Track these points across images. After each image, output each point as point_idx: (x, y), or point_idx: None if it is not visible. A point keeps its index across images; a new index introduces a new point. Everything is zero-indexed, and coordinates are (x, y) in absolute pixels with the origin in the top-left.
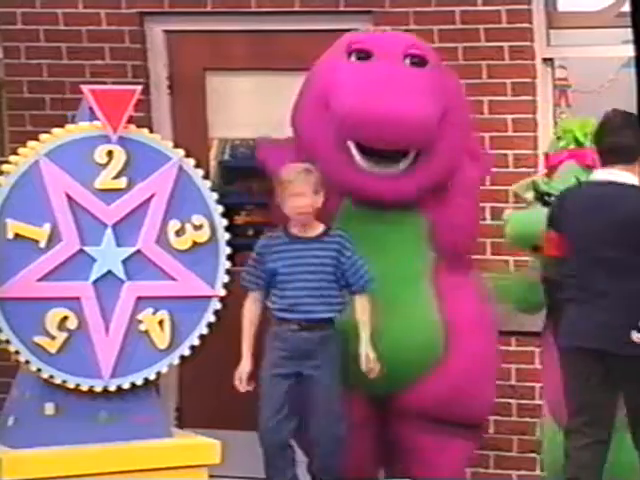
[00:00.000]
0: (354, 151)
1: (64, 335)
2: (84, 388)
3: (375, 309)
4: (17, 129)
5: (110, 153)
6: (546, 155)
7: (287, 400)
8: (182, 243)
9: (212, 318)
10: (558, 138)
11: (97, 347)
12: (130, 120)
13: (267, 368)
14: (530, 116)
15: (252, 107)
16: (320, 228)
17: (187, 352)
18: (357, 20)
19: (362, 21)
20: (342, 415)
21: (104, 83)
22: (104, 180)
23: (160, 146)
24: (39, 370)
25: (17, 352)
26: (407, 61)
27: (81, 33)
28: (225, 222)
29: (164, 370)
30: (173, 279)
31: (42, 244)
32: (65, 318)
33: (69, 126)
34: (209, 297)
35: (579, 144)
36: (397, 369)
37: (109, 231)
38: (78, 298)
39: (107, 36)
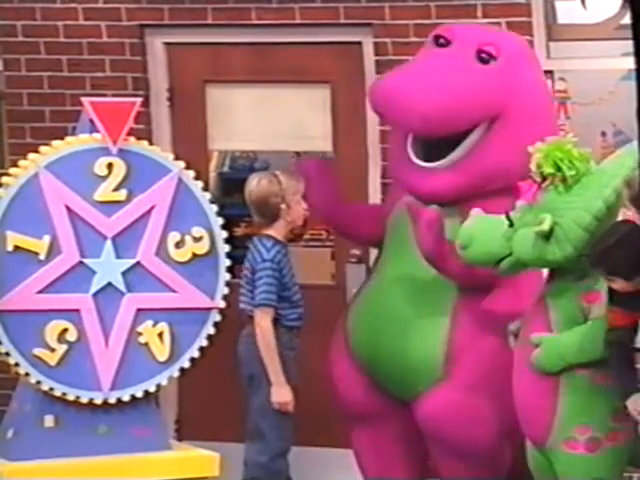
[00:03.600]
0: (408, 142)
1: (64, 347)
2: (84, 400)
3: (394, 320)
4: (17, 141)
5: (110, 165)
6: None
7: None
8: (182, 255)
9: (212, 330)
10: (538, 167)
11: (97, 359)
12: (130, 132)
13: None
14: None
15: (252, 119)
16: None
17: (187, 364)
18: (357, 32)
19: (362, 33)
20: None
21: (104, 95)
22: (104, 192)
23: (160, 158)
24: (39, 382)
25: (17, 364)
26: (477, 56)
27: (81, 45)
28: (225, 234)
29: (164, 382)
30: (173, 291)
31: (42, 256)
32: (65, 330)
33: (69, 138)
34: (209, 309)
35: (559, 170)
36: (404, 377)
37: (109, 243)
38: (78, 310)
39: (107, 48)
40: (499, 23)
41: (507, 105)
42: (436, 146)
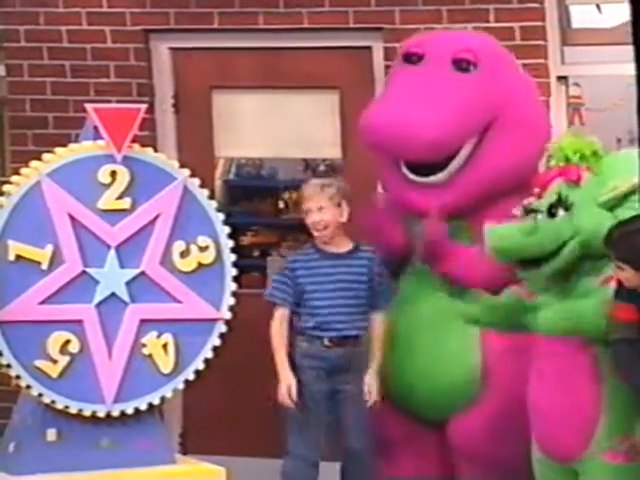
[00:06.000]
0: (402, 162)
1: (66, 359)
2: (87, 413)
3: (417, 337)
4: (19, 148)
5: (114, 173)
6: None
7: (323, 416)
8: (187, 265)
9: (217, 342)
10: (549, 157)
11: (100, 371)
12: (134, 139)
13: (307, 385)
14: None
15: (259, 126)
16: (350, 244)
17: (192, 376)
18: (367, 37)
19: (372, 38)
20: (368, 430)
21: (108, 101)
22: (108, 200)
23: (165, 166)
24: (40, 395)
25: (18, 377)
26: (454, 65)
27: (85, 51)
28: (231, 243)
29: (168, 395)
30: (178, 301)
31: (44, 266)
32: (67, 342)
33: (72, 145)
34: (214, 320)
35: (568, 161)
36: (431, 402)
37: (112, 252)
38: (81, 321)
39: (112, 54)
40: (512, 28)
41: (498, 109)
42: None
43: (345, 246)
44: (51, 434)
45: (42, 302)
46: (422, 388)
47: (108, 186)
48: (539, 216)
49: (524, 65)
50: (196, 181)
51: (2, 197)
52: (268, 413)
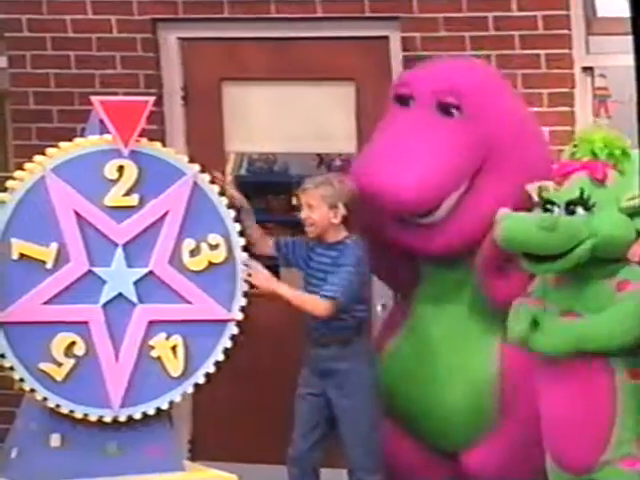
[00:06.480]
0: None
1: (71, 362)
2: (92, 418)
3: (437, 370)
4: (22, 143)
5: (121, 168)
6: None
7: (317, 421)
8: (197, 264)
9: (228, 343)
10: (575, 146)
11: (106, 374)
12: (142, 133)
13: (299, 386)
14: (568, 128)
15: (271, 119)
16: (340, 236)
17: (202, 380)
18: (384, 26)
19: (389, 27)
20: (374, 447)
21: (115, 94)
22: (114, 197)
23: (174, 161)
24: (45, 399)
25: (22, 380)
26: (439, 109)
27: (91, 41)
28: (243, 241)
29: (177, 399)
30: (187, 302)
31: (49, 265)
32: (72, 343)
33: (77, 140)
34: (225, 321)
35: (595, 156)
36: (451, 429)
37: (120, 251)
38: (86, 322)
39: (118, 44)
40: (535, 16)
41: (487, 150)
42: None
43: (335, 238)
44: (55, 439)
45: (46, 302)
46: (442, 417)
47: (115, 182)
48: (556, 209)
49: (547, 55)
50: (206, 177)
51: (5, 193)
52: (280, 418)
